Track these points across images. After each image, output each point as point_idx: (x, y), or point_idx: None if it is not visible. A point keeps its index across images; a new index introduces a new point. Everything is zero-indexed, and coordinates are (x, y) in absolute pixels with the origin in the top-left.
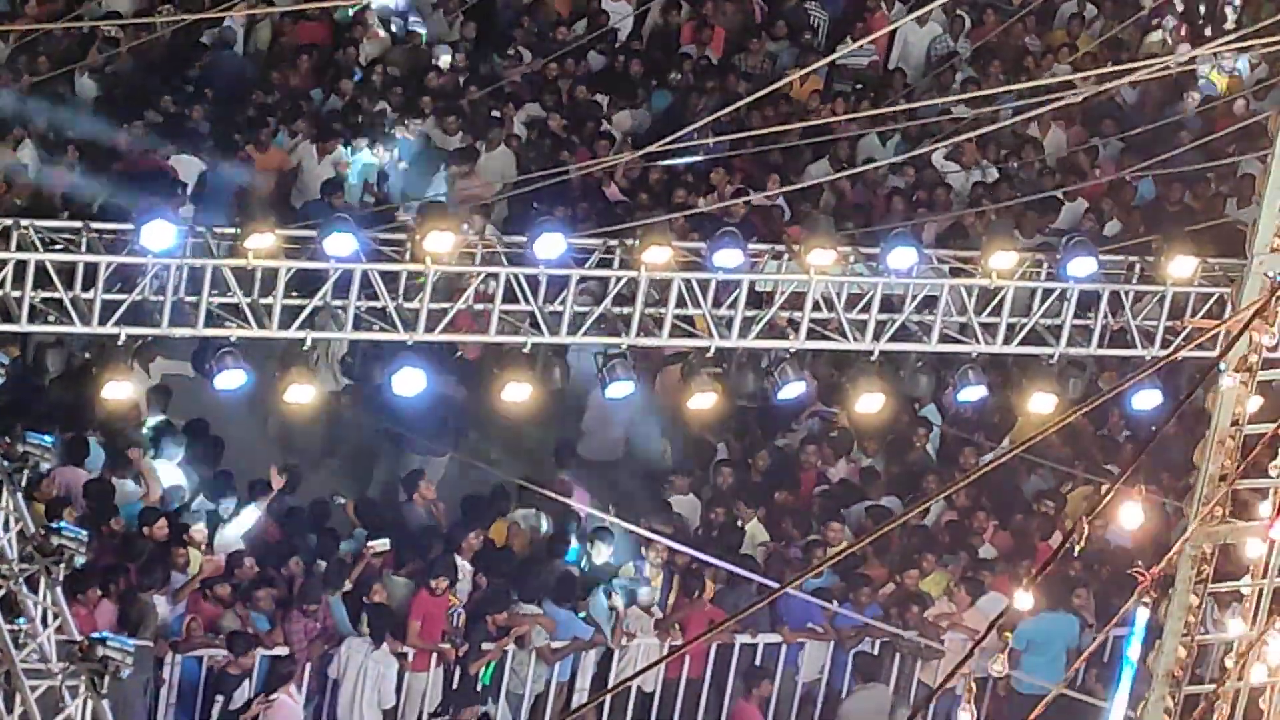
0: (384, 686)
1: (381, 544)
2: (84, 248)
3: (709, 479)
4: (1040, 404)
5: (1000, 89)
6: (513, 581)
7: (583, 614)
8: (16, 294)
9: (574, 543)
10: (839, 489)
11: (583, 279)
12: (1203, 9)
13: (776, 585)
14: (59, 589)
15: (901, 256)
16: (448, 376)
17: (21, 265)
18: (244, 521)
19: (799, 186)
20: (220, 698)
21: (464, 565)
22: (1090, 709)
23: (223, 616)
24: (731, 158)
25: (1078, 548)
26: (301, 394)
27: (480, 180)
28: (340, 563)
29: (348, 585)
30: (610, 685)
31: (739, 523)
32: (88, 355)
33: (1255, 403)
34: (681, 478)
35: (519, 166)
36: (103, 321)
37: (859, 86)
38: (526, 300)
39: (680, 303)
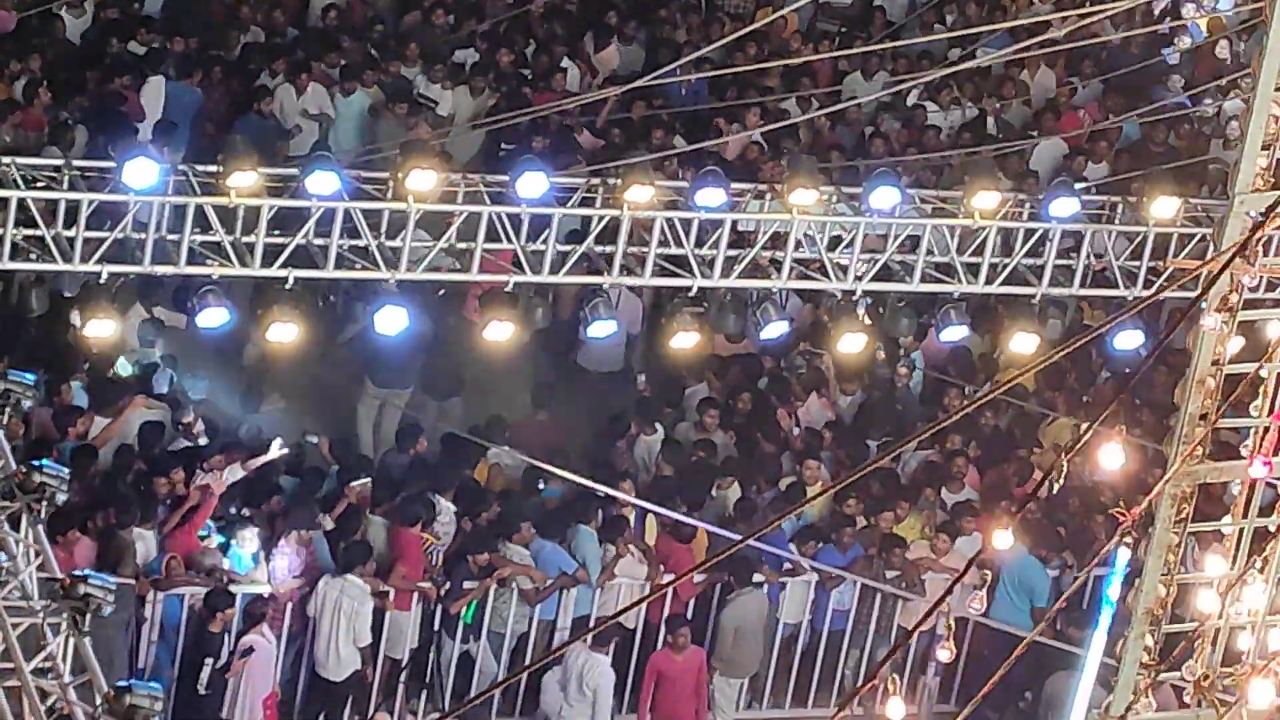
0: (359, 624)
1: (363, 483)
2: (66, 185)
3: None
4: (1022, 344)
5: (983, 29)
6: (495, 519)
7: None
8: None
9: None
10: (818, 430)
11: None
12: None
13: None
14: (40, 527)
15: (884, 196)
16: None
17: (3, 202)
18: (227, 477)
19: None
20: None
21: (445, 505)
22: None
23: (203, 554)
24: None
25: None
26: (283, 333)
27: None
28: (311, 501)
29: (329, 523)
30: (592, 623)
31: (715, 487)
32: (65, 295)
33: (1237, 343)
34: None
35: (492, 109)
36: (84, 259)
37: (843, 30)
38: (509, 239)
39: (663, 242)
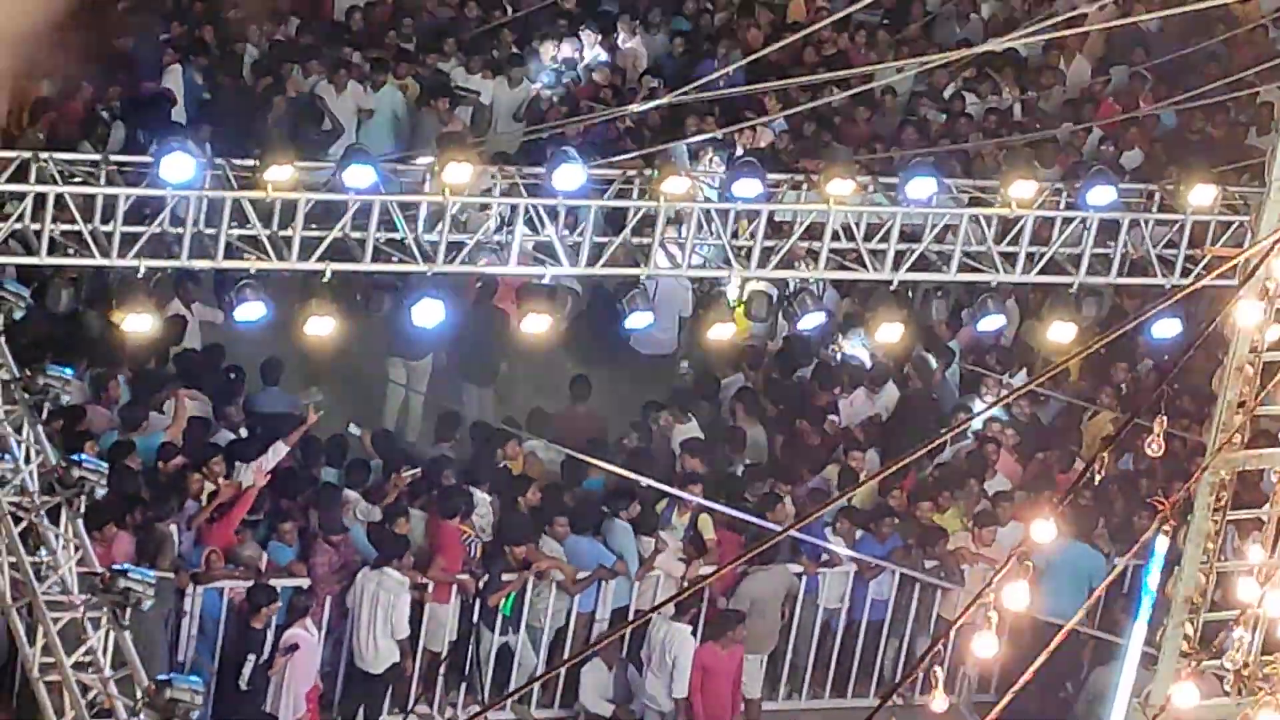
0: (396, 616)
1: (413, 473)
2: (103, 180)
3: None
4: (1059, 333)
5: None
6: (533, 511)
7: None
8: (36, 227)
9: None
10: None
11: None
12: None
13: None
14: (80, 521)
15: (920, 186)
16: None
17: (41, 198)
18: (271, 457)
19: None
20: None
21: (482, 496)
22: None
23: (243, 546)
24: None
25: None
26: (321, 325)
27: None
28: (363, 492)
29: (376, 514)
30: (632, 616)
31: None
32: (97, 290)
33: (1276, 331)
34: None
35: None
36: (122, 254)
37: (885, 21)
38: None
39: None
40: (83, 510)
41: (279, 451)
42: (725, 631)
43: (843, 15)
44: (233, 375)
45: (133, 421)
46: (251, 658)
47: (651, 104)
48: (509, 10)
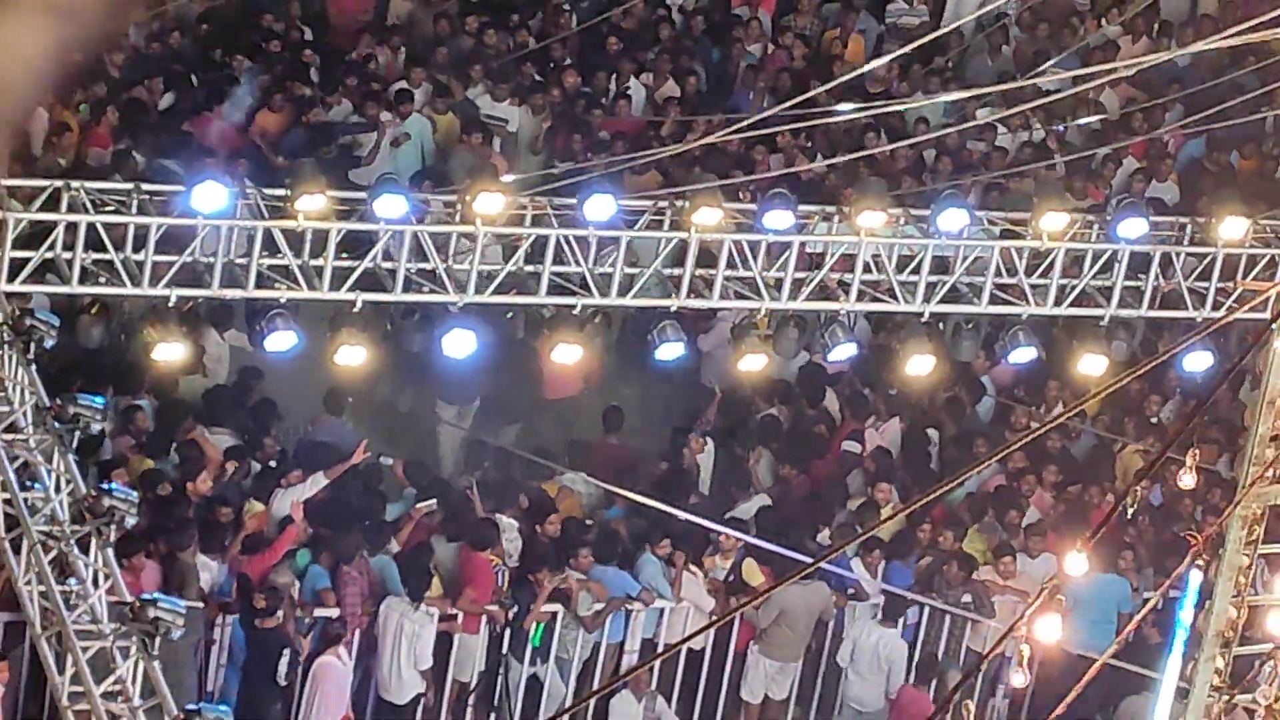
0: (420, 646)
1: (429, 505)
2: (135, 209)
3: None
4: (1090, 365)
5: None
6: (560, 541)
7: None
8: (68, 256)
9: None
10: (880, 454)
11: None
12: None
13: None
14: (110, 550)
15: (952, 218)
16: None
17: (72, 227)
18: (310, 488)
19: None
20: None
21: (510, 524)
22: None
23: (276, 573)
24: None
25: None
26: (351, 356)
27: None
28: (382, 523)
29: (395, 546)
30: (660, 646)
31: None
32: (127, 318)
33: None
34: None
35: (551, 129)
36: (153, 283)
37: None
38: (576, 262)
39: (731, 264)
40: (113, 539)
41: (318, 483)
42: None
43: (894, 58)
44: (266, 406)
45: (158, 452)
46: (286, 652)
47: (708, 137)
48: (533, 38)
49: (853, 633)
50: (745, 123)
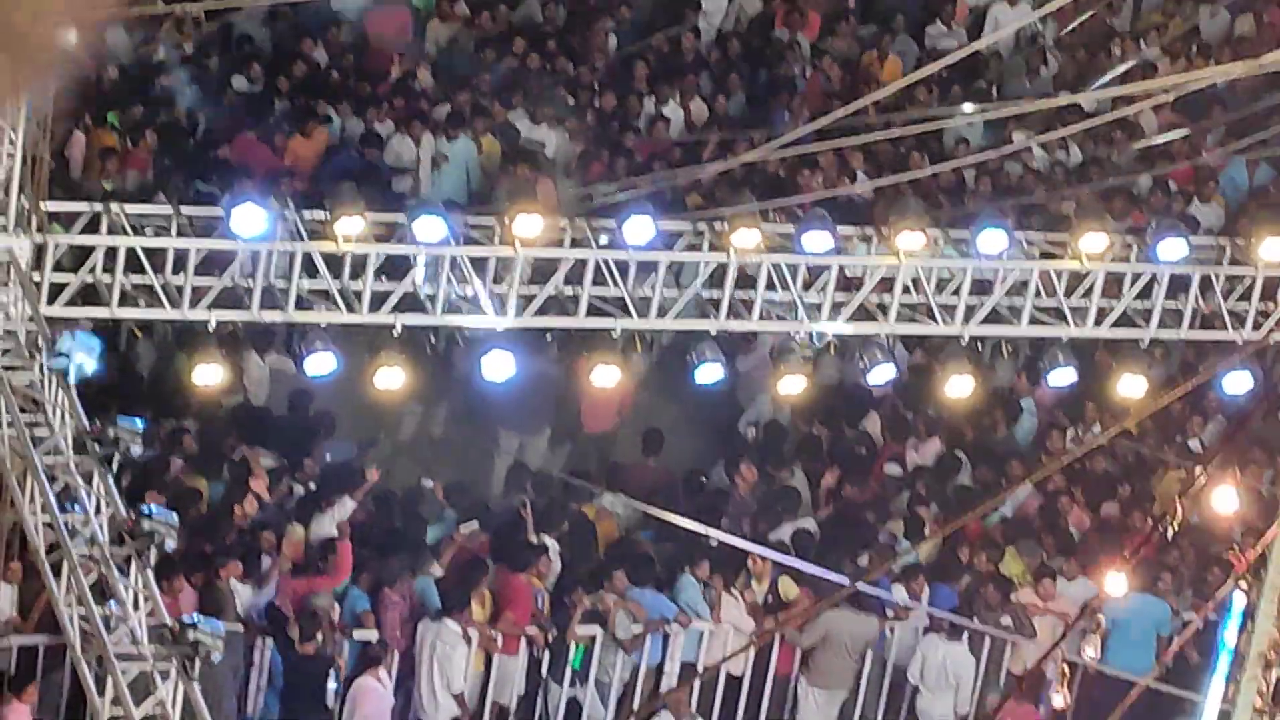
0: (451, 670)
1: (470, 526)
2: (174, 232)
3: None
4: (1129, 387)
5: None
6: (598, 563)
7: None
8: (107, 279)
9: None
10: (921, 473)
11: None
12: None
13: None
14: (149, 572)
15: (991, 239)
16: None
17: (112, 250)
18: (340, 512)
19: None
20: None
21: (550, 543)
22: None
23: (316, 596)
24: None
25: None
26: (391, 379)
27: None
28: (424, 546)
29: (439, 569)
30: (700, 669)
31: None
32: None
33: None
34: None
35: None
36: (193, 306)
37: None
38: (615, 284)
39: (770, 286)
40: (152, 562)
41: (346, 506)
42: None
43: (925, 74)
44: (323, 420)
45: (210, 473)
46: (332, 672)
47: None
48: (574, 63)
49: (922, 649)
50: (780, 141)
